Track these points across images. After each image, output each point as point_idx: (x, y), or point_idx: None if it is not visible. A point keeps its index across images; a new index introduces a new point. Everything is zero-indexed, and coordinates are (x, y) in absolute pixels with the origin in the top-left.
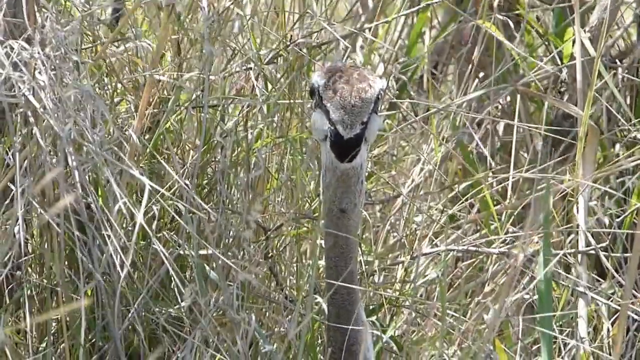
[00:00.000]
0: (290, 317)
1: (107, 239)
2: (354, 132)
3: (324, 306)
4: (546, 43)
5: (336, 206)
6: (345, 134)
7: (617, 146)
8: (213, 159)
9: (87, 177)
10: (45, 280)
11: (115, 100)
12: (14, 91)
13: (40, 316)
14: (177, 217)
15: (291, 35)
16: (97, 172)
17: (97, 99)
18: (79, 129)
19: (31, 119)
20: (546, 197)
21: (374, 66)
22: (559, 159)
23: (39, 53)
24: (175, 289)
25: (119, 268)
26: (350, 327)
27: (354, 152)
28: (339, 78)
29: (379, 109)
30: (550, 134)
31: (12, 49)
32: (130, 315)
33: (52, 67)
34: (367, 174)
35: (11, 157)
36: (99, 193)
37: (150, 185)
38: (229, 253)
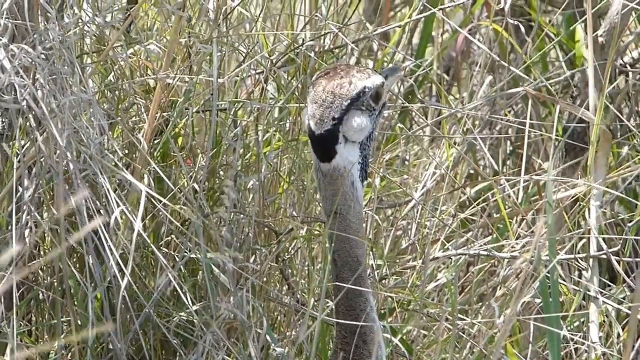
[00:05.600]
0: (301, 320)
1: (107, 245)
2: (324, 128)
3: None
4: (558, 46)
5: (329, 208)
6: (316, 129)
7: (626, 149)
8: (224, 163)
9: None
10: (55, 283)
11: (126, 104)
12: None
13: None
14: (177, 223)
15: (302, 39)
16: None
17: (95, 106)
18: (79, 136)
19: (33, 124)
20: (550, 200)
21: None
22: (571, 163)
23: (39, 57)
24: (186, 293)
25: (120, 275)
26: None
27: (328, 149)
28: (325, 74)
29: (369, 107)
30: (563, 139)
31: (13, 53)
32: (140, 318)
33: (51, 72)
34: (378, 177)
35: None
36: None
37: (152, 193)
38: (240, 257)
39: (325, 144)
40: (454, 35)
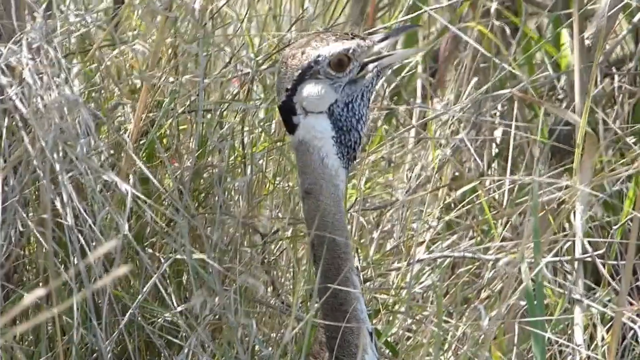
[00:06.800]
0: (286, 322)
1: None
2: (281, 99)
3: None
4: (543, 49)
5: (301, 186)
6: (278, 100)
7: (610, 152)
8: (209, 164)
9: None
10: (41, 284)
11: (112, 103)
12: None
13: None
14: (162, 224)
15: (289, 40)
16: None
17: (82, 106)
18: (65, 136)
19: (20, 124)
20: (535, 203)
21: None
22: (557, 166)
23: (25, 57)
24: (172, 294)
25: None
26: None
27: (289, 120)
28: (295, 44)
29: (328, 75)
30: (548, 141)
31: (0, 52)
32: (125, 319)
33: (38, 72)
34: (364, 178)
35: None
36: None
37: (137, 193)
38: (225, 258)
39: (286, 115)
40: (443, 31)
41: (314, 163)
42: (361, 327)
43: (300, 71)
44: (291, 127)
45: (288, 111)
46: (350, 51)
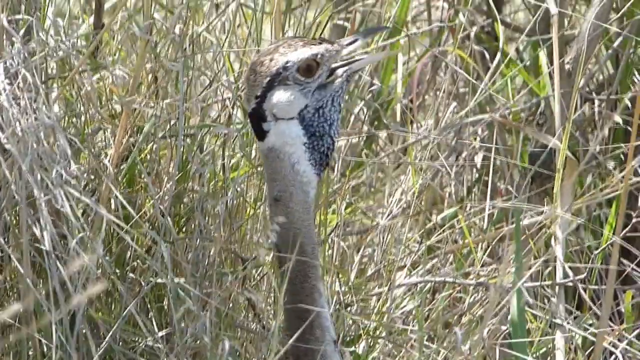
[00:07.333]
0: (268, 346)
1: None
2: (251, 106)
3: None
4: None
5: (270, 193)
6: (247, 107)
7: (590, 177)
8: (190, 188)
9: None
10: (20, 309)
11: (92, 128)
12: None
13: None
14: (141, 250)
15: None
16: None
17: (59, 131)
18: (44, 161)
19: None
20: (518, 228)
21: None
22: (537, 191)
23: (2, 82)
24: (153, 319)
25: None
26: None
27: (259, 127)
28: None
29: (297, 81)
30: (530, 166)
31: None
32: (104, 343)
33: (15, 97)
34: (344, 203)
35: None
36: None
37: (116, 220)
38: (206, 282)
39: (255, 122)
40: (423, 56)
41: (284, 170)
42: (325, 335)
43: (269, 78)
44: (261, 134)
45: (258, 118)
46: (319, 56)
